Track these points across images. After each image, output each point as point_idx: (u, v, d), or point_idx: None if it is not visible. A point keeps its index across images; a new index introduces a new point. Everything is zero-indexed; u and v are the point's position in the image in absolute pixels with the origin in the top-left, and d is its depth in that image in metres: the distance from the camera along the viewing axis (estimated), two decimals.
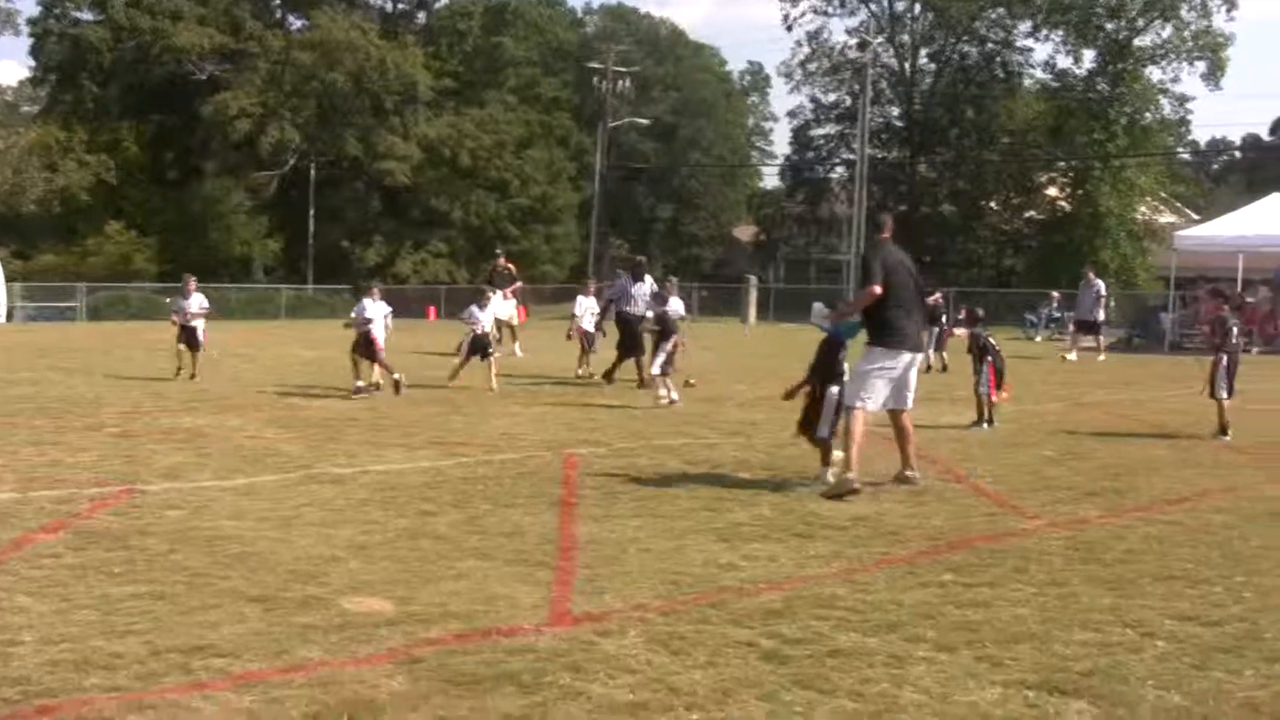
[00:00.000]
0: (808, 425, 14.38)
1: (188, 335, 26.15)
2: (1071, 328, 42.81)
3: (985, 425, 19.13)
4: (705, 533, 11.31)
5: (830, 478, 13.81)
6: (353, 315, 23.62)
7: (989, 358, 19.33)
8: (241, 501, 12.57)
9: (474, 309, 24.82)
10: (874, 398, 13.52)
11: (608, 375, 25.71)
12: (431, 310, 67.66)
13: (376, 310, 23.20)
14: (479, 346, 24.24)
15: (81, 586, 9.12)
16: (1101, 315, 40.11)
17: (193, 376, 25.42)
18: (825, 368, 14.27)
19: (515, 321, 33.60)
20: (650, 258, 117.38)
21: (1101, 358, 37.63)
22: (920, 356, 14.29)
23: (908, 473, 13.92)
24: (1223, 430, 18.57)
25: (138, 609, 8.55)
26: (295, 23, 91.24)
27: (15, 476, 13.82)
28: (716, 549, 10.67)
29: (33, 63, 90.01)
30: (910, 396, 13.88)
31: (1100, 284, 41.46)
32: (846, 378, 14.10)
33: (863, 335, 14.05)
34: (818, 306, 14.82)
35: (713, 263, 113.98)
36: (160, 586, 9.12)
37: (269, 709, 6.71)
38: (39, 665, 7.36)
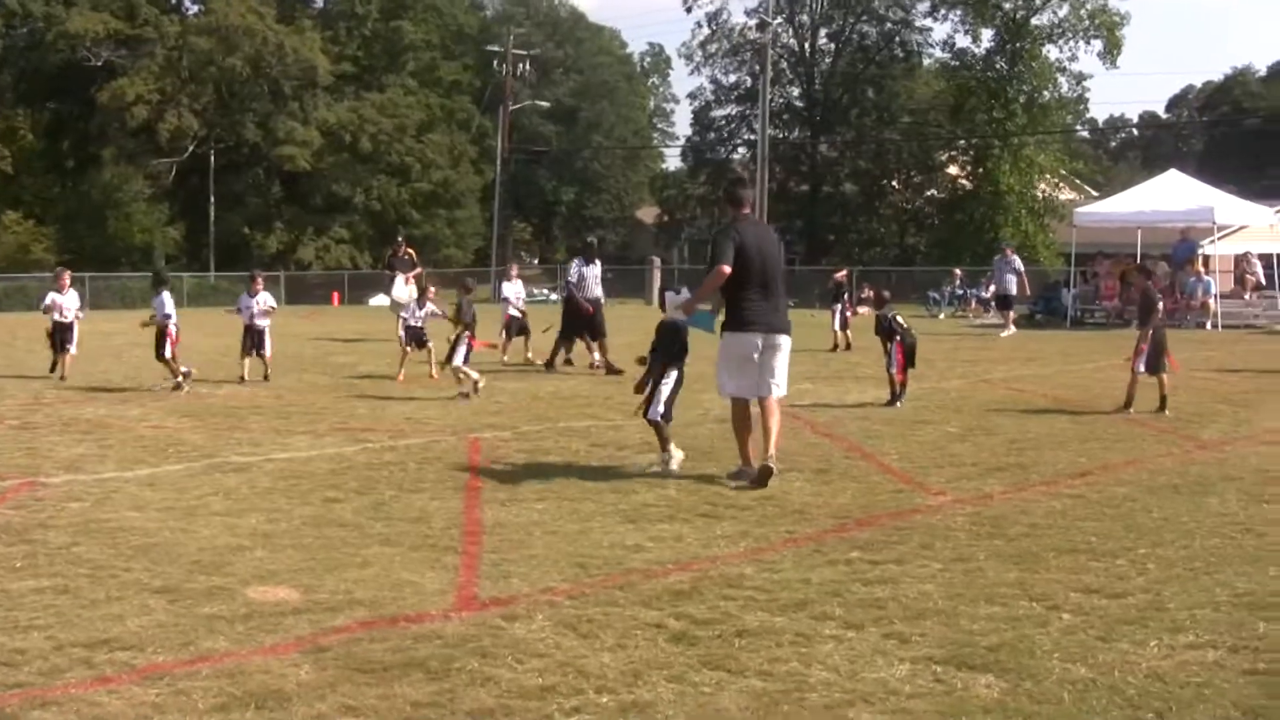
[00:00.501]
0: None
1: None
2: (994, 305, 43.27)
3: (897, 404, 19.23)
4: (611, 515, 11.32)
5: (674, 465, 13.55)
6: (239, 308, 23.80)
7: (897, 337, 19.42)
8: (144, 492, 12.45)
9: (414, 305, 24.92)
10: (728, 383, 13.12)
11: (549, 363, 25.69)
12: (335, 296, 67.32)
13: (265, 300, 23.39)
14: (414, 336, 24.06)
15: None
16: (1015, 290, 40.50)
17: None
18: (665, 349, 13.76)
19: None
20: (549, 241, 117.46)
21: (1007, 333, 38.01)
22: (785, 338, 13.06)
23: (767, 462, 12.64)
24: (1127, 405, 18.75)
25: (40, 604, 8.45)
26: (191, 7, 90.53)
27: None
28: (623, 531, 10.69)
29: None
30: (773, 383, 12.97)
31: (1017, 260, 41.92)
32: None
33: None
34: (672, 296, 14.25)
35: (617, 245, 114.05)
36: (63, 580, 9.02)
37: (175, 701, 6.65)
38: None
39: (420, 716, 6.46)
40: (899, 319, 19.98)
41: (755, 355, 12.89)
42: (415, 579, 9.03)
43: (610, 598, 8.57)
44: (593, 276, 26.33)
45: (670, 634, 7.79)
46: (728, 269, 12.74)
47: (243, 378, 22.31)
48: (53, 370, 24.48)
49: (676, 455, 13.63)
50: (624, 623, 8.01)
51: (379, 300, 47.27)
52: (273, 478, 13.23)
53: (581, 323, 26.14)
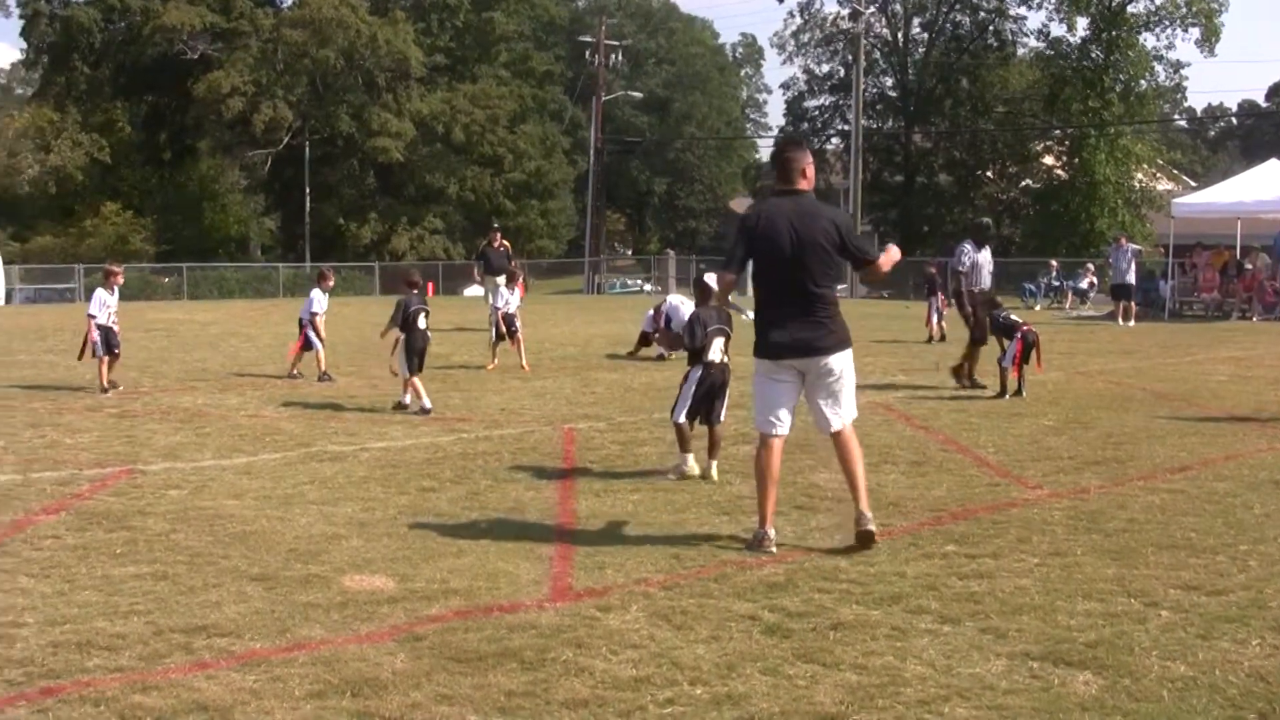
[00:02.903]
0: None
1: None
2: (1109, 295, 42.95)
3: (1007, 397, 19.05)
4: (706, 506, 11.31)
5: (687, 469, 12.86)
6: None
7: (1018, 334, 19.24)
8: (242, 480, 12.56)
9: (505, 294, 24.82)
10: (761, 414, 10.02)
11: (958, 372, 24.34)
12: (430, 286, 67.63)
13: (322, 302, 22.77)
14: (506, 324, 24.06)
15: (83, 568, 9.13)
16: (1133, 279, 40.14)
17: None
18: (688, 340, 13.02)
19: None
20: (642, 232, 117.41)
21: (1127, 323, 37.74)
22: (835, 359, 9.78)
23: (864, 525, 9.77)
24: None
25: (140, 589, 8.55)
26: (285, 0, 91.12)
27: (15, 458, 13.82)
28: (718, 522, 10.67)
29: (24, 45, 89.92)
30: (834, 413, 9.90)
31: (1134, 247, 41.54)
32: (717, 356, 12.92)
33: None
34: (711, 279, 12.79)
35: (710, 235, 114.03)
36: (162, 566, 9.13)
37: (272, 687, 6.70)
38: (42, 647, 7.36)
39: (514, 706, 6.47)
40: (1013, 315, 19.88)
41: (795, 382, 9.93)
42: (510, 569, 9.05)
43: (704, 589, 8.56)
44: (985, 264, 21.71)
45: (765, 626, 7.76)
46: (731, 277, 10.28)
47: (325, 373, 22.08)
48: (105, 389, 19.95)
49: (689, 463, 12.84)
50: (718, 614, 7.99)
51: (473, 290, 47.42)
52: (368, 467, 13.31)
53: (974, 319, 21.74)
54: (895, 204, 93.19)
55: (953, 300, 21.17)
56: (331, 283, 22.64)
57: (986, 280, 21.49)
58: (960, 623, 7.83)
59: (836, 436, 9.94)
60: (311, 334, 21.76)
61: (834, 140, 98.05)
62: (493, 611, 8.02)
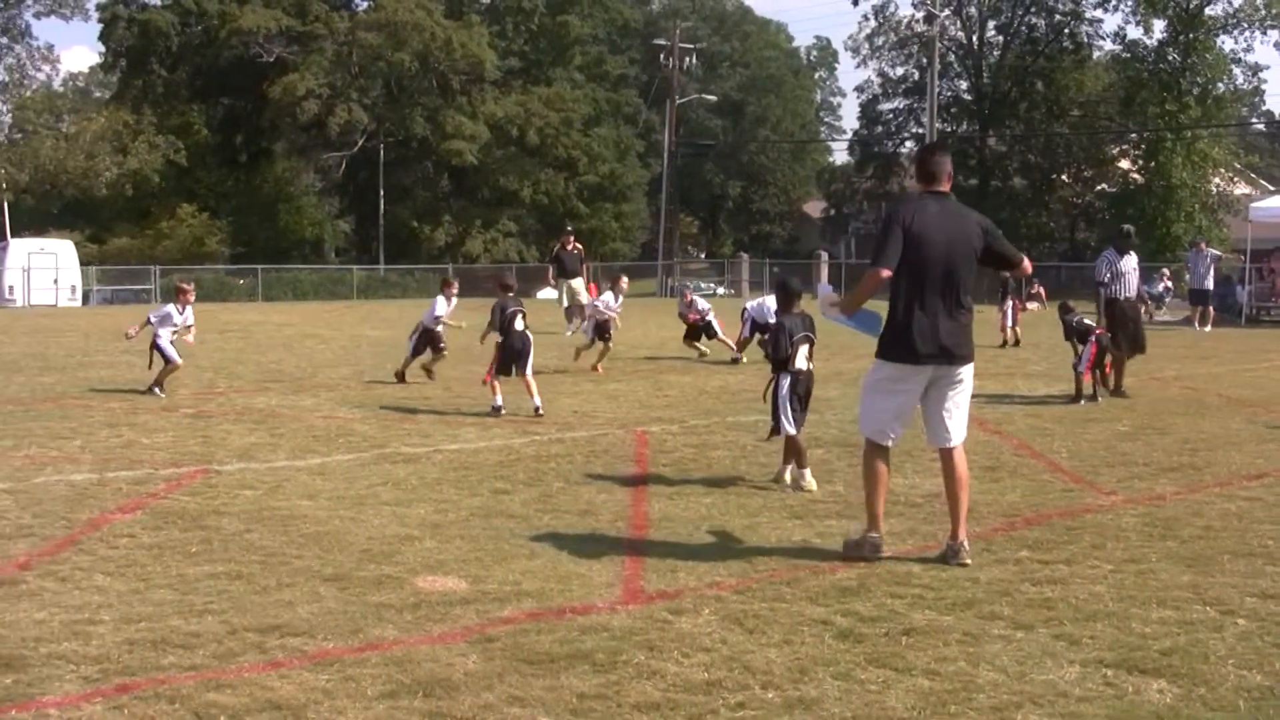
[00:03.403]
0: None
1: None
2: (1188, 299, 42.62)
3: (1082, 402, 18.95)
4: (779, 510, 11.28)
5: (787, 477, 12.59)
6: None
7: (1092, 338, 19.13)
8: (315, 481, 12.63)
9: (609, 297, 24.81)
10: (875, 423, 9.69)
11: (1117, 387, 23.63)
12: None
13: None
14: (601, 328, 24.08)
15: (158, 566, 9.20)
16: (1211, 284, 39.84)
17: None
18: (773, 351, 12.69)
19: (586, 300, 33.35)
20: (716, 235, 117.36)
21: (1205, 328, 37.48)
22: (966, 369, 9.62)
23: (958, 552, 9.46)
24: None
25: (214, 588, 8.61)
26: (361, 3, 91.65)
27: (92, 457, 13.95)
28: (790, 526, 10.65)
29: (102, 48, 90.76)
30: (950, 428, 9.64)
31: (1214, 252, 41.23)
32: (804, 364, 12.62)
33: None
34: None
35: (783, 239, 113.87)
36: (236, 566, 9.19)
37: (345, 687, 6.74)
38: (118, 644, 7.43)
39: (586, 708, 6.48)
40: (1085, 319, 19.78)
41: (917, 392, 9.61)
42: (582, 571, 9.06)
43: (777, 593, 8.54)
44: (1130, 271, 21.06)
45: (837, 631, 7.74)
46: (886, 272, 9.46)
47: (402, 374, 21.92)
48: (153, 390, 19.80)
49: (807, 477, 12.42)
50: (790, 618, 7.98)
51: (546, 293, 47.53)
52: (441, 469, 13.35)
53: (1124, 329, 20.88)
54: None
55: (1102, 313, 20.66)
56: (455, 289, 22.36)
57: (1133, 288, 21.09)
58: (1033, 629, 7.78)
59: (949, 454, 9.65)
60: (416, 339, 21.78)
61: (908, 144, 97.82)
62: (565, 614, 8.04)
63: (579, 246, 34.41)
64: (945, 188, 9.81)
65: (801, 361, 12.55)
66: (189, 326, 20.57)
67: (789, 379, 12.50)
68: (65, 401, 18.79)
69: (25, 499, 11.65)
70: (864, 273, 9.73)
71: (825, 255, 69.33)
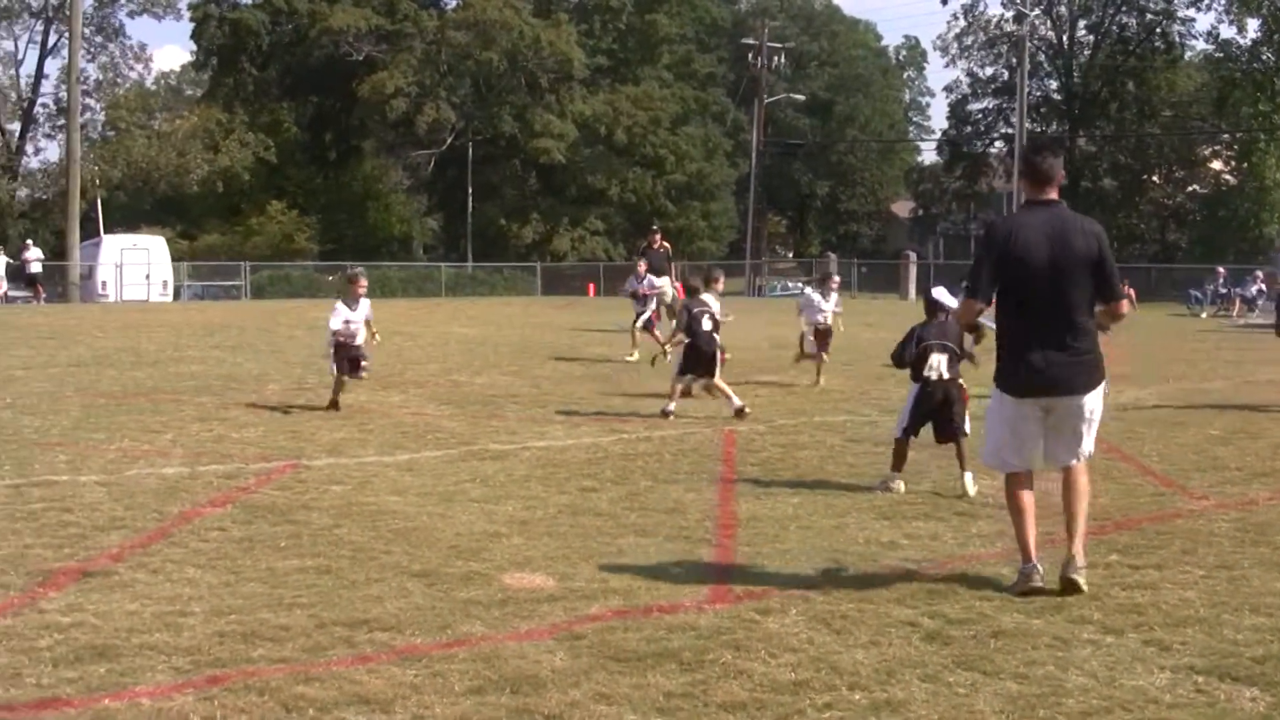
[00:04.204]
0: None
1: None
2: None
3: None
4: (866, 510, 11.24)
5: (895, 486, 12.17)
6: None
7: None
8: (404, 477, 12.70)
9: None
10: (994, 452, 9.15)
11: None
12: (591, 287, 67.86)
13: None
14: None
15: (248, 559, 9.28)
16: None
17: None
18: (893, 357, 12.64)
19: (675, 300, 33.23)
20: (803, 234, 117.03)
21: None
22: (1086, 400, 8.77)
23: (1069, 573, 8.60)
24: None
25: (303, 582, 8.68)
26: (449, 2, 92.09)
27: (183, 451, 14.08)
28: (878, 527, 10.61)
29: (194, 47, 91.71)
30: (1073, 449, 8.94)
31: None
32: (935, 373, 12.29)
33: None
34: (944, 293, 12.17)
35: (871, 238, 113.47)
36: (325, 560, 9.25)
37: (432, 682, 6.76)
38: (208, 636, 7.50)
39: (673, 707, 6.47)
40: None
41: (1036, 420, 8.86)
42: (669, 569, 9.07)
43: (864, 594, 8.50)
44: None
45: (924, 633, 7.70)
46: (980, 305, 8.95)
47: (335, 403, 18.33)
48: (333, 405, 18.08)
49: (897, 481, 12.22)
50: (878, 620, 7.94)
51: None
52: (529, 466, 13.39)
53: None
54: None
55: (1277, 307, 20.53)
56: (363, 287, 18.27)
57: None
58: (1123, 634, 7.71)
59: (1068, 470, 8.96)
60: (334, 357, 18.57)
61: (997, 144, 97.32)
62: (652, 612, 8.04)
63: (666, 245, 34.30)
64: (1054, 194, 8.80)
65: (933, 371, 12.28)
66: (368, 322, 18.45)
67: (919, 388, 12.35)
68: (157, 396, 18.98)
69: (118, 491, 11.78)
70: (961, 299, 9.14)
71: (913, 256, 69.07)
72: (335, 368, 17.85)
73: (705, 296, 17.68)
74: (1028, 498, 8.90)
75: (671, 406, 17.37)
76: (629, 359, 23.96)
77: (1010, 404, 8.87)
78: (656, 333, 24.55)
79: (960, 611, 8.13)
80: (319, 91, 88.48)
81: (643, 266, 26.23)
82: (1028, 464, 8.97)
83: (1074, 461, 8.97)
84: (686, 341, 17.45)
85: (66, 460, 13.46)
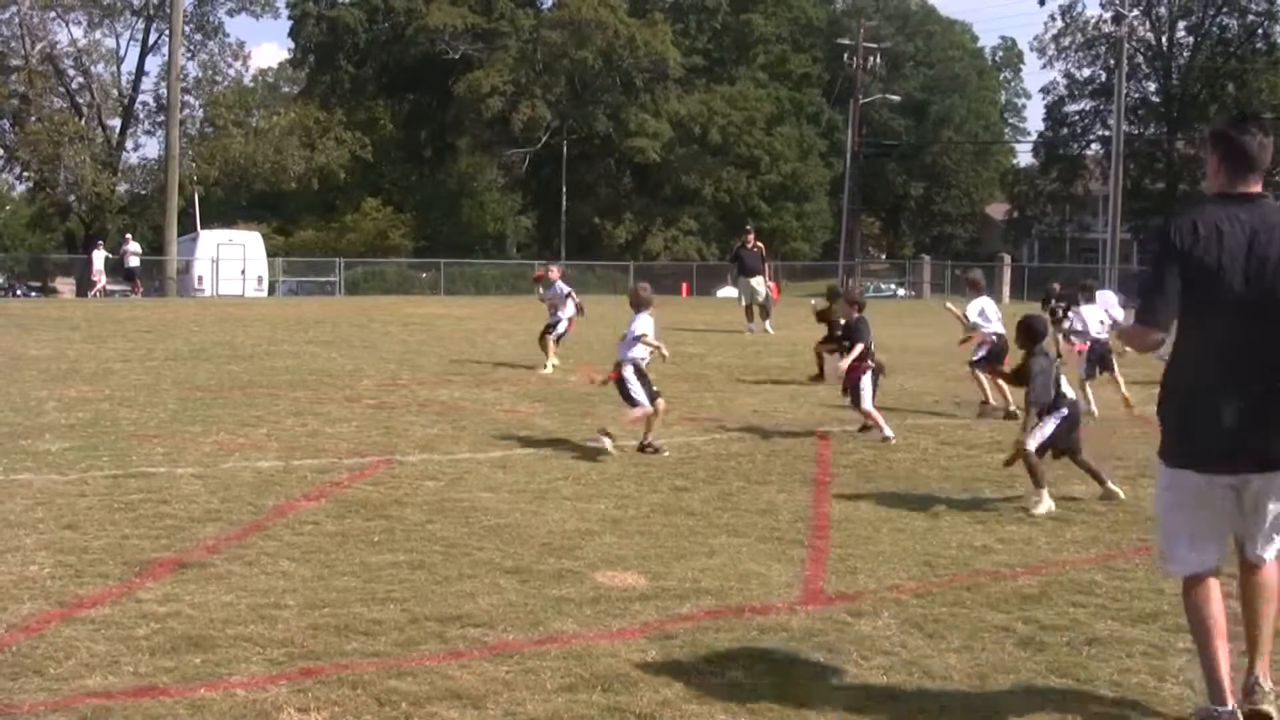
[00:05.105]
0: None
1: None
2: None
3: None
4: (960, 514, 11.17)
5: (1039, 509, 11.25)
6: None
7: None
8: (497, 474, 12.74)
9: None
10: (1167, 553, 6.59)
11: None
12: (684, 287, 67.85)
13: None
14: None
15: (342, 553, 9.34)
16: None
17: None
18: (1038, 397, 11.65)
19: (768, 300, 33.13)
20: (897, 236, 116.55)
21: None
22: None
23: (1250, 678, 6.41)
24: None
25: (396, 577, 8.73)
26: (545, 1, 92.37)
27: (278, 445, 14.19)
28: (971, 531, 10.55)
29: (292, 44, 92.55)
30: (1262, 540, 6.37)
31: None
32: (1072, 393, 11.83)
33: None
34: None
35: (965, 241, 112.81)
36: (418, 556, 9.30)
37: (524, 679, 6.78)
38: (302, 629, 7.57)
39: (764, 708, 6.47)
40: None
41: (1222, 505, 6.30)
42: (761, 570, 9.05)
43: (957, 598, 8.46)
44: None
45: (1018, 638, 7.65)
46: (1157, 336, 6.33)
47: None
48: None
49: (1046, 502, 11.35)
50: (971, 624, 7.90)
51: (726, 291, 47.50)
52: (622, 464, 13.40)
53: None
54: (1156, 212, 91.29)
55: None
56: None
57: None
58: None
59: (1258, 568, 6.44)
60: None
61: (1094, 146, 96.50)
62: (744, 613, 8.03)
63: (760, 245, 34.28)
64: (1258, 186, 6.44)
65: (1069, 389, 11.91)
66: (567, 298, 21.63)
67: (1065, 408, 11.66)
68: (252, 390, 19.11)
69: (214, 484, 11.90)
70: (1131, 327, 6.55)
71: (1007, 258, 68.61)
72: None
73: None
74: (1216, 611, 6.37)
75: (889, 431, 15.47)
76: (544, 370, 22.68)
77: (1187, 482, 6.32)
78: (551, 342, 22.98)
79: (1054, 617, 8.07)
80: (415, 89, 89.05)
81: (555, 272, 24.23)
82: (1213, 563, 6.44)
83: (1270, 555, 6.44)
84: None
85: (163, 452, 13.60)
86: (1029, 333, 11.88)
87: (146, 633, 7.47)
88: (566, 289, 23.16)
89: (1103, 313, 18.90)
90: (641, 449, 14.09)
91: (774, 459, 13.93)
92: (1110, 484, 11.81)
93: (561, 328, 22.83)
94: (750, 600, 8.31)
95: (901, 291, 76.78)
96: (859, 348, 15.62)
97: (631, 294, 15.10)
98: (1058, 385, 11.67)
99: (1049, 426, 11.54)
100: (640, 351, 14.63)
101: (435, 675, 6.81)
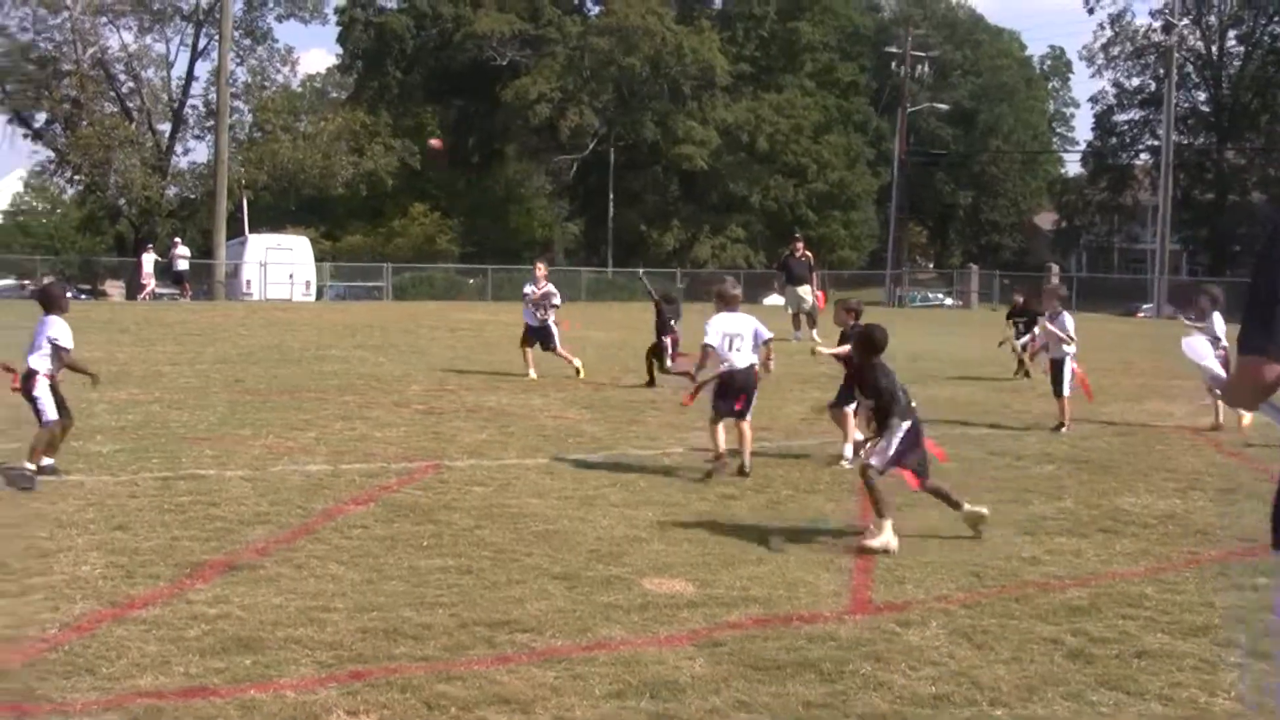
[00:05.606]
0: None
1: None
2: None
3: None
4: (1007, 525, 11.13)
5: (875, 541, 10.16)
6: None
7: None
8: (545, 480, 12.77)
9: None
10: None
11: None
12: None
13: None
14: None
15: (390, 558, 9.39)
16: None
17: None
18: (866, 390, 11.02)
19: (814, 309, 33.07)
20: (945, 245, 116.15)
21: None
22: None
23: None
24: None
25: (445, 582, 8.77)
26: (592, 8, 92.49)
27: (327, 449, 14.26)
28: (1019, 542, 10.52)
29: (340, 50, 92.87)
30: None
31: None
32: None
33: None
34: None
35: (1013, 250, 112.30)
36: (466, 561, 9.34)
37: (572, 684, 6.81)
38: (351, 632, 7.62)
39: (812, 717, 6.50)
40: None
41: None
42: (810, 579, 9.05)
43: (1006, 609, 8.45)
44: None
45: (1067, 650, 7.64)
46: (1273, 369, 4.39)
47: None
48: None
49: (887, 534, 10.24)
50: (1019, 635, 7.89)
51: (772, 300, 47.43)
52: (669, 471, 13.39)
53: None
54: (1205, 223, 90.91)
55: None
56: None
57: None
58: (1272, 658, 7.57)
59: None
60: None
61: (1143, 156, 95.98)
62: (792, 621, 8.04)
63: (809, 254, 34.27)
64: None
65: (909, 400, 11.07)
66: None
67: (900, 434, 10.60)
68: (300, 394, 19.21)
69: (263, 487, 11.97)
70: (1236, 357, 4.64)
71: (1056, 268, 68.31)
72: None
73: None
74: None
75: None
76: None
77: None
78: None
79: (1103, 630, 8.05)
80: (462, 95, 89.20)
81: (541, 270, 23.98)
82: None
83: None
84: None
85: (213, 455, 13.70)
86: (869, 344, 11.19)
87: (197, 634, 7.54)
88: (550, 288, 23.14)
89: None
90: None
91: (822, 469, 13.93)
92: (968, 505, 10.84)
93: (556, 333, 22.71)
94: (798, 609, 8.32)
95: (949, 301, 76.55)
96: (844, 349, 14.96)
97: (719, 292, 14.03)
98: (907, 396, 10.88)
99: (894, 441, 10.54)
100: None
101: (484, 680, 6.84)
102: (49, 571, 8.89)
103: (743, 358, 13.42)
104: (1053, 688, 6.98)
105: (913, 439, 10.68)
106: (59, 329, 12.15)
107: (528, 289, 23.10)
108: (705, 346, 13.50)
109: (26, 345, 12.19)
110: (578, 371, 22.19)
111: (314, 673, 6.94)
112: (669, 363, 21.32)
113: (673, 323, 21.77)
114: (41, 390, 11.93)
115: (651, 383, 21.24)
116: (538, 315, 22.62)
